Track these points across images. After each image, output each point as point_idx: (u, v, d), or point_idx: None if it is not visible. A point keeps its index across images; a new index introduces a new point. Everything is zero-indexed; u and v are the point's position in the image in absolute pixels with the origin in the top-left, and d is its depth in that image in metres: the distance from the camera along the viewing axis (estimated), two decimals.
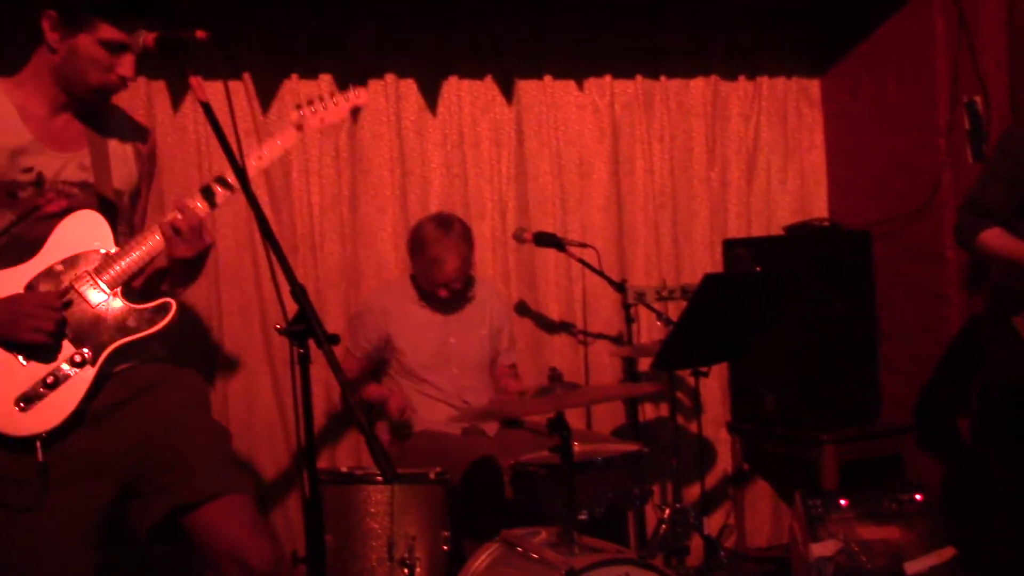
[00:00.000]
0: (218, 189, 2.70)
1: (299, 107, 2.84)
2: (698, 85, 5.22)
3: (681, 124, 5.20)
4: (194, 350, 4.35)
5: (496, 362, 4.44)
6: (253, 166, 2.75)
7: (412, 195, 4.72)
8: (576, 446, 3.43)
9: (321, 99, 2.86)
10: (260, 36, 4.49)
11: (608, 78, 5.03)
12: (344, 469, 3.66)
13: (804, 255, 4.77)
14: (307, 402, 2.26)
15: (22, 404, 2.54)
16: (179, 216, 2.65)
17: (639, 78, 5.08)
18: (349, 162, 4.62)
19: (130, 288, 2.71)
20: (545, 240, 4.57)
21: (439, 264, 4.14)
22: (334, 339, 2.22)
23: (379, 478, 3.43)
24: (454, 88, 4.78)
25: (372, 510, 3.43)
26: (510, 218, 4.86)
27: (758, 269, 4.57)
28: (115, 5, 2.56)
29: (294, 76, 4.55)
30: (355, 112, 2.93)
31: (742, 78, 5.29)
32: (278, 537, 4.40)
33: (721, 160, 5.25)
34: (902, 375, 4.93)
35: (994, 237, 3.77)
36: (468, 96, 4.82)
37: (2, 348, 2.56)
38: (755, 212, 5.30)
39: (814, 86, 5.44)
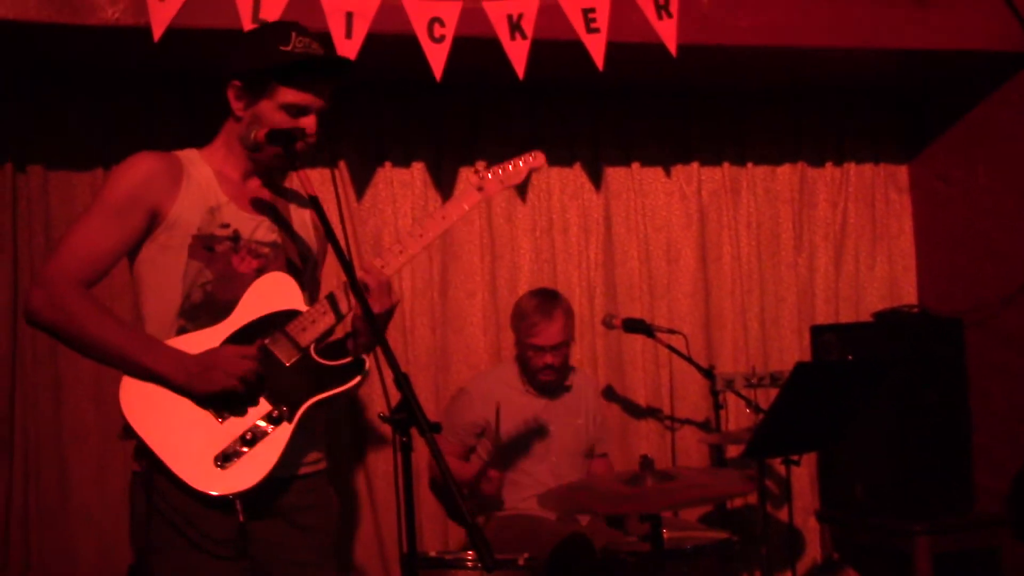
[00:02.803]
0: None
1: (478, 171, 2.90)
2: (785, 171, 5.25)
3: (768, 210, 5.22)
4: None
5: (591, 452, 4.44)
6: (438, 225, 2.79)
7: (501, 280, 4.78)
8: (664, 533, 3.41)
9: (500, 163, 2.91)
10: (355, 125, 4.61)
11: (695, 165, 5.08)
12: (433, 553, 3.67)
13: (894, 342, 4.73)
14: (408, 489, 2.29)
15: (221, 462, 2.52)
16: (366, 275, 2.68)
17: (726, 165, 5.13)
18: (440, 248, 4.69)
19: (323, 347, 2.72)
20: (634, 326, 4.59)
21: (542, 330, 4.19)
22: (436, 428, 2.24)
23: (469, 563, 3.44)
24: (543, 175, 4.86)
25: None
26: (598, 303, 4.89)
27: (850, 357, 4.53)
28: (292, 70, 2.64)
29: (387, 164, 4.66)
30: (532, 173, 2.97)
31: (829, 164, 5.31)
32: None
33: (809, 246, 5.25)
34: (997, 465, 4.83)
35: None
36: (557, 183, 4.90)
37: (197, 406, 2.55)
38: (843, 298, 5.28)
39: (902, 172, 5.43)
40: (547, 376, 4.27)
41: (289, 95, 2.66)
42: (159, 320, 2.65)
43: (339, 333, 2.80)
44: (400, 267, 2.78)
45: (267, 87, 2.65)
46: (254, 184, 2.78)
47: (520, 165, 2.93)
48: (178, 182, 2.66)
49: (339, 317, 2.68)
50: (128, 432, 2.56)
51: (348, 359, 2.68)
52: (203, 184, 2.69)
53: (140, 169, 2.66)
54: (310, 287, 2.83)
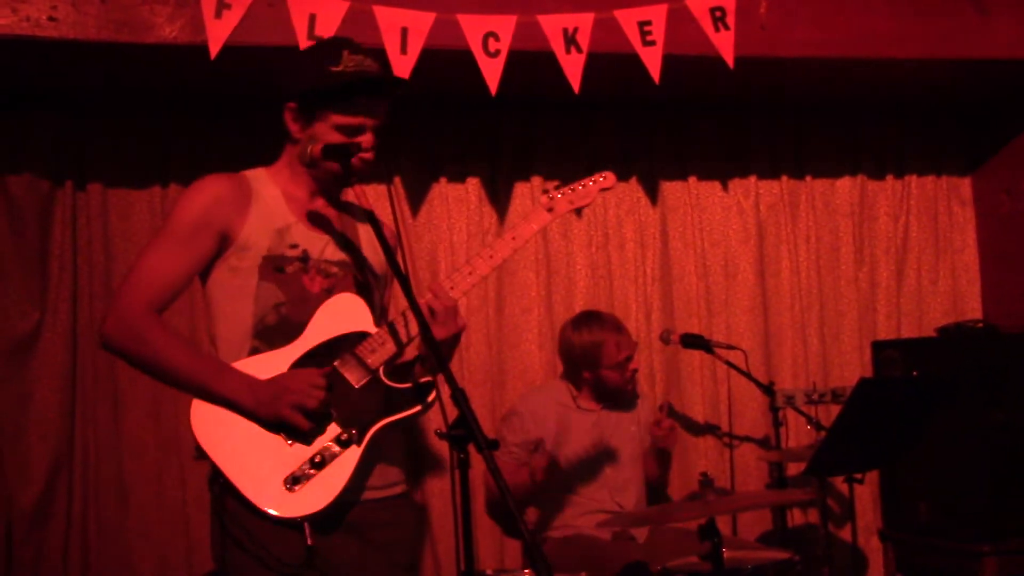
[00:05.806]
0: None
1: (547, 191, 2.89)
2: (844, 185, 5.17)
3: (827, 224, 5.15)
4: None
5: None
6: (508, 245, 2.80)
7: (557, 296, 4.75)
8: (725, 553, 3.36)
9: (570, 183, 2.91)
10: (410, 141, 4.61)
11: (753, 179, 5.03)
12: (490, 572, 3.64)
13: (959, 358, 4.64)
14: (466, 507, 2.26)
15: (290, 484, 2.53)
16: (433, 298, 2.69)
17: (784, 178, 5.07)
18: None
19: (392, 369, 2.71)
20: (692, 342, 4.54)
21: (624, 343, 4.21)
22: (494, 445, 2.21)
23: None
24: None
25: None
26: (655, 319, 4.84)
27: (915, 373, 4.45)
28: (340, 95, 2.64)
29: (443, 180, 4.65)
30: (602, 192, 2.97)
31: (890, 177, 5.23)
32: None
33: (869, 260, 5.17)
34: None
35: None
36: (613, 197, 4.86)
37: (267, 429, 2.56)
38: (905, 313, 5.19)
39: (965, 184, 5.34)
40: (633, 383, 4.31)
41: (340, 118, 2.66)
42: (231, 340, 2.67)
43: (411, 354, 2.80)
44: (469, 288, 2.78)
45: (318, 110, 2.66)
46: (320, 203, 2.78)
47: (590, 185, 2.93)
48: (247, 203, 2.68)
49: (399, 346, 2.67)
50: (200, 453, 2.58)
51: (418, 381, 2.67)
52: (271, 204, 2.71)
53: (208, 192, 2.69)
54: (381, 304, 2.84)
